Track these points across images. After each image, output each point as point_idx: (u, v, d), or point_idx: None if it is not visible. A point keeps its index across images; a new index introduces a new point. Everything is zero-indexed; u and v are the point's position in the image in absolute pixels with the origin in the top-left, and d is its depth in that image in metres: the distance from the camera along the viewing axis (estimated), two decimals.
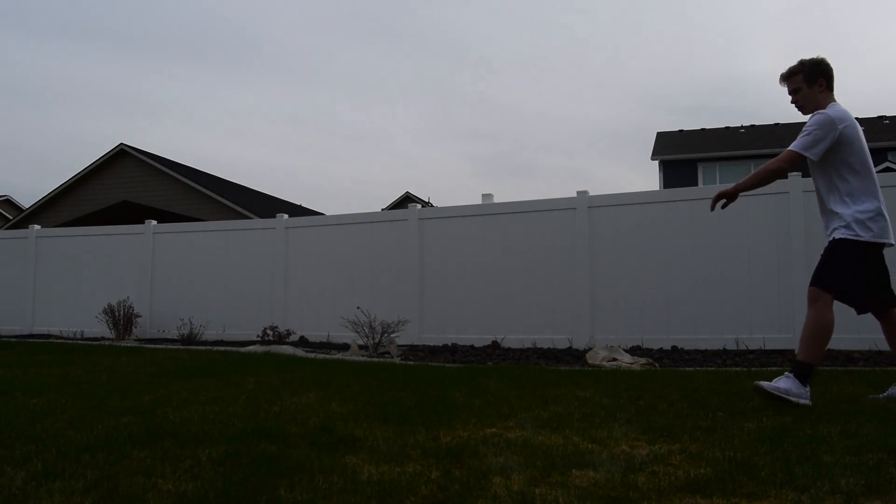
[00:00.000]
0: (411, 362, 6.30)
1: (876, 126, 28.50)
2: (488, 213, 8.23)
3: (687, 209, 7.25)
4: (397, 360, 6.51)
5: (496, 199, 14.03)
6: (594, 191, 7.71)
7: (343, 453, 2.51)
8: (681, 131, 30.65)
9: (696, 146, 28.45)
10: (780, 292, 6.75)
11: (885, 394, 3.57)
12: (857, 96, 57.26)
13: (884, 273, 3.52)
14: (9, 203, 34.41)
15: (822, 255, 3.52)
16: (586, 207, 7.60)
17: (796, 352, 3.41)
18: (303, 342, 8.52)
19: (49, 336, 10.01)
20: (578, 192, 7.69)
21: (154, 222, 10.17)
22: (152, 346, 8.31)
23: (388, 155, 76.51)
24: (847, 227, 3.44)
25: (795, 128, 30.26)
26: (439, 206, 16.03)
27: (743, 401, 3.55)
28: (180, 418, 3.18)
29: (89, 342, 8.97)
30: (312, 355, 6.85)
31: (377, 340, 7.34)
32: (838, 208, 3.48)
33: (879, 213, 3.45)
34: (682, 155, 27.80)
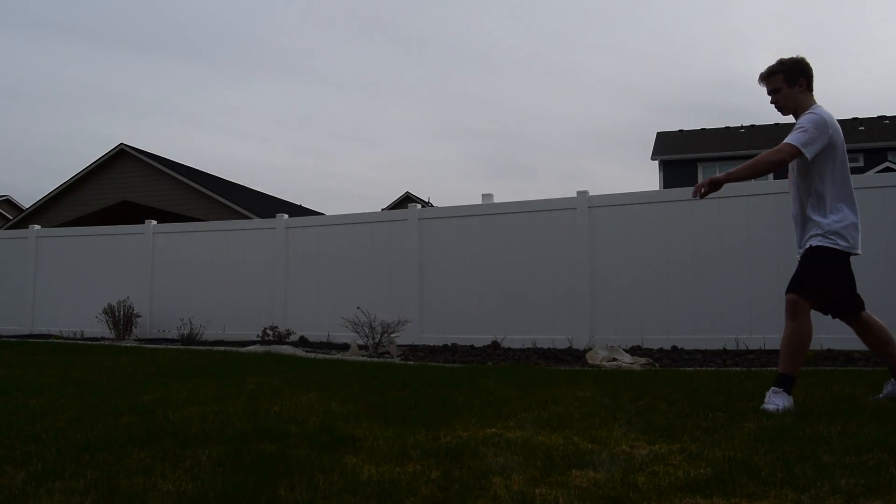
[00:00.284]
0: (411, 362, 6.30)
1: (876, 126, 28.47)
2: (488, 213, 8.23)
3: (687, 209, 7.25)
4: (397, 360, 6.51)
5: (496, 199, 14.04)
6: (594, 191, 7.72)
7: (343, 453, 2.51)
8: (681, 131, 30.66)
9: (696, 146, 28.46)
10: (780, 292, 6.71)
11: (881, 394, 3.57)
12: (857, 96, 57.27)
13: (852, 280, 3.58)
14: (9, 203, 34.41)
15: (799, 264, 3.52)
16: (586, 207, 7.60)
17: (780, 366, 3.36)
18: (303, 342, 8.52)
19: (49, 336, 10.01)
20: (578, 192, 7.69)
21: (154, 222, 10.17)
22: (152, 346, 8.30)
23: (388, 155, 76.53)
24: (824, 235, 3.43)
25: None
26: (439, 206, 16.03)
27: (743, 401, 3.55)
28: (180, 418, 3.18)
29: (89, 342, 8.97)
30: (312, 355, 6.85)
31: (377, 340, 7.34)
32: (816, 216, 3.47)
33: (854, 225, 3.47)
34: (682, 155, 27.81)
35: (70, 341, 9.22)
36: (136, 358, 6.49)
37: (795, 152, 3.40)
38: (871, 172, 20.15)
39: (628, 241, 7.41)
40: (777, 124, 30.97)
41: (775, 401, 3.25)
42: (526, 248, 7.84)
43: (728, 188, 4.32)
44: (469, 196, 71.72)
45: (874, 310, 6.41)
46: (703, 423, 2.98)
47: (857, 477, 2.09)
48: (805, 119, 3.45)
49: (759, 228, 6.90)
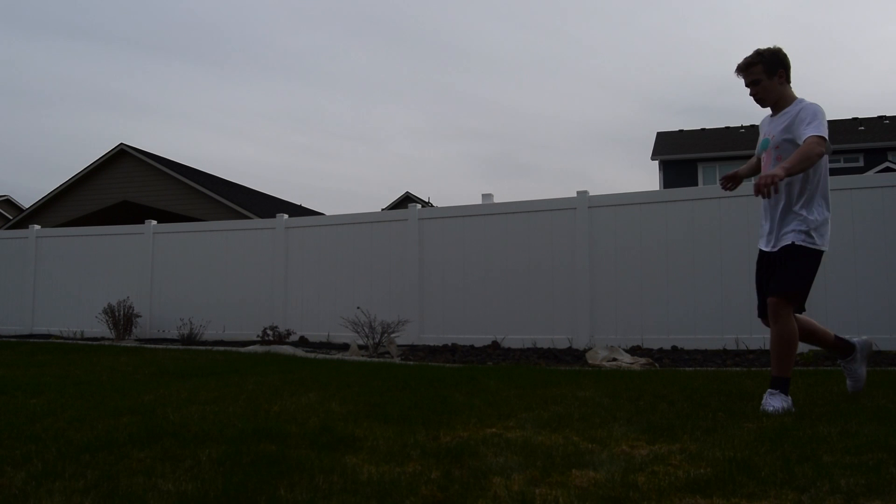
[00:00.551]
0: (411, 362, 6.29)
1: (876, 126, 28.47)
2: (488, 213, 8.22)
3: (687, 209, 7.25)
4: (397, 360, 6.51)
5: (496, 199, 14.05)
6: (594, 191, 7.71)
7: (343, 453, 2.51)
8: (681, 131, 30.65)
9: (696, 146, 28.46)
10: None
11: (848, 380, 3.71)
12: (857, 96, 57.26)
13: None
14: (9, 203, 34.41)
15: (781, 263, 3.39)
16: (586, 207, 7.60)
17: (773, 369, 3.35)
18: (303, 342, 8.52)
19: (49, 336, 10.01)
20: (578, 192, 7.69)
21: (154, 222, 10.17)
22: (152, 346, 8.30)
23: (388, 155, 76.54)
24: (807, 234, 3.41)
25: None
26: (439, 206, 16.03)
27: (743, 401, 3.55)
28: (180, 418, 3.18)
29: (89, 342, 8.97)
30: (312, 355, 6.85)
31: (377, 340, 7.34)
32: (803, 211, 3.43)
33: (828, 221, 3.53)
34: (682, 155, 27.80)
35: (70, 341, 9.22)
36: (136, 358, 6.49)
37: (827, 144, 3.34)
38: (871, 172, 20.14)
39: (628, 241, 7.41)
40: None
41: (773, 402, 3.25)
42: (526, 248, 7.84)
43: None
44: (469, 196, 71.76)
45: (875, 309, 6.43)
46: (703, 423, 2.98)
47: (857, 477, 2.09)
48: (812, 110, 3.35)
49: (759, 228, 6.90)
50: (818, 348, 6.39)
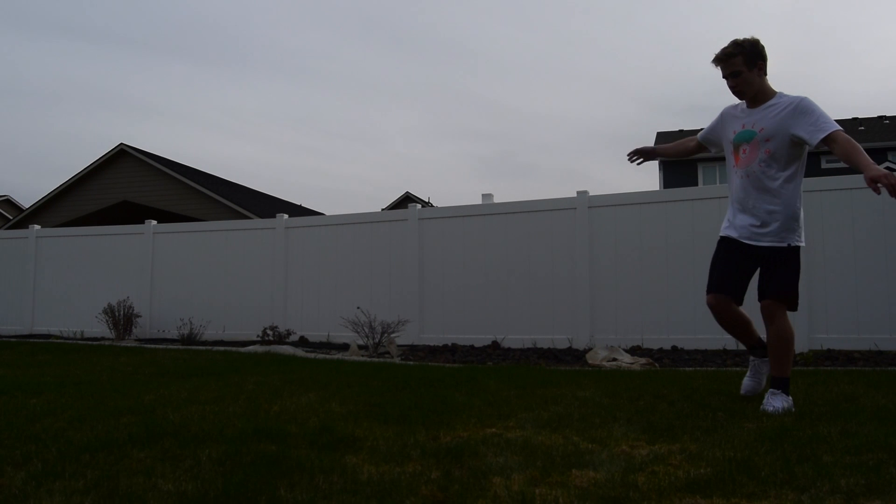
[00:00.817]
0: (411, 362, 6.29)
1: (876, 126, 28.48)
2: (488, 213, 8.22)
3: (687, 209, 7.25)
4: (397, 360, 6.51)
5: (496, 199, 14.05)
6: (594, 191, 7.71)
7: (343, 453, 2.51)
8: (681, 131, 30.63)
9: None
10: None
11: (747, 378, 3.70)
12: (857, 96, 57.27)
13: None
14: (9, 203, 34.42)
15: (781, 264, 3.36)
16: (586, 207, 7.60)
17: (774, 370, 3.35)
18: (303, 342, 8.52)
19: (49, 336, 10.01)
20: (578, 192, 7.69)
21: (154, 222, 10.17)
22: (152, 346, 8.30)
23: (388, 155, 76.55)
24: (799, 233, 3.40)
25: None
26: (439, 206, 16.03)
27: (743, 401, 3.55)
28: (180, 418, 3.18)
29: (89, 342, 8.97)
30: (312, 355, 6.85)
31: (377, 340, 7.34)
32: (795, 206, 3.37)
33: None
34: None
35: (70, 341, 9.22)
36: (136, 358, 6.49)
37: None
38: None
39: (628, 241, 7.41)
40: None
41: (774, 402, 3.25)
42: (526, 248, 7.84)
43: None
44: (469, 196, 71.79)
45: (875, 306, 6.43)
46: (703, 423, 2.98)
47: (857, 477, 2.09)
48: (810, 104, 3.30)
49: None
50: (817, 348, 6.40)
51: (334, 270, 8.88)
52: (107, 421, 3.14)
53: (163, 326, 9.65)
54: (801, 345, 6.53)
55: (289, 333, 8.42)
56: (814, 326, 6.59)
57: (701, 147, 3.87)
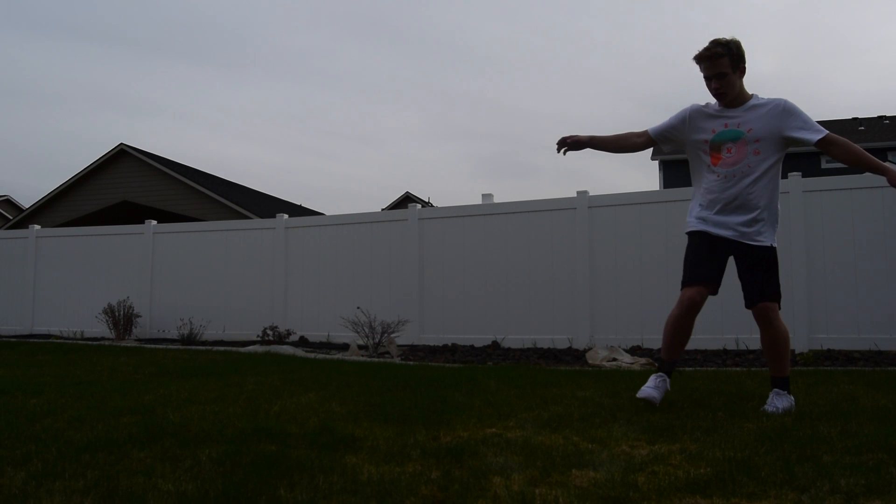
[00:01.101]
0: (411, 362, 6.29)
1: (876, 126, 28.48)
2: (488, 213, 8.22)
3: (687, 209, 7.23)
4: (397, 360, 6.51)
5: (496, 199, 14.03)
6: (594, 191, 7.71)
7: (343, 453, 2.51)
8: None
9: None
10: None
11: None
12: (857, 96, 57.26)
13: None
14: (9, 203, 34.42)
15: (767, 266, 3.36)
16: (586, 207, 7.60)
17: (774, 370, 3.35)
18: (303, 342, 8.51)
19: (49, 336, 10.01)
20: (578, 192, 7.69)
21: (154, 222, 10.16)
22: (152, 346, 8.30)
23: (388, 155, 76.56)
24: (775, 234, 3.42)
25: None
26: (439, 206, 16.02)
27: (743, 401, 3.55)
28: (180, 418, 3.18)
29: (89, 342, 8.97)
30: (312, 355, 6.85)
31: (377, 340, 7.34)
32: (777, 207, 3.40)
33: None
34: (682, 155, 27.79)
35: (70, 341, 9.22)
36: (136, 358, 6.49)
37: None
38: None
39: (628, 241, 7.41)
40: None
41: (778, 403, 3.26)
42: (526, 248, 7.84)
43: None
44: (469, 196, 71.78)
45: (875, 306, 6.42)
46: (703, 423, 2.98)
47: (857, 477, 2.09)
48: (794, 107, 3.33)
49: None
50: (817, 348, 6.40)
51: (334, 270, 8.88)
52: (107, 421, 3.14)
53: (163, 326, 9.65)
54: (801, 345, 6.53)
55: (289, 333, 8.42)
56: (814, 326, 6.58)
57: (650, 143, 3.68)
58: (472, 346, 7.72)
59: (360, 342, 7.56)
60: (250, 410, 3.43)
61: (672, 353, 3.46)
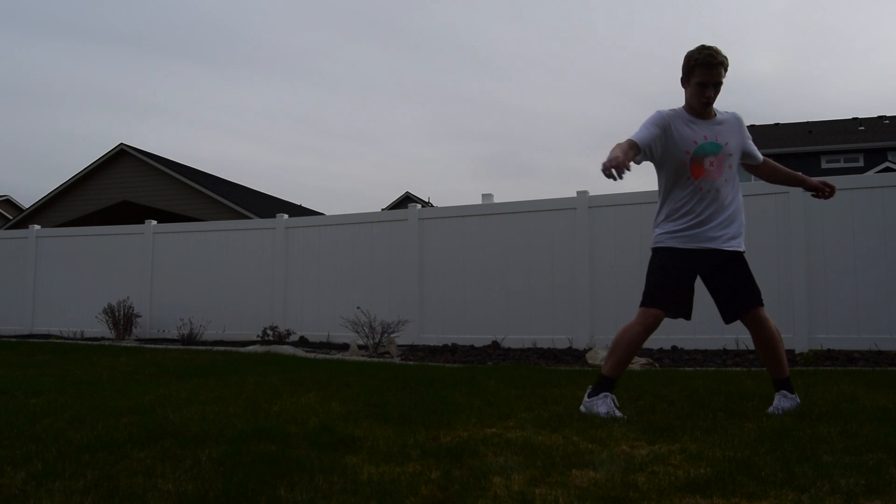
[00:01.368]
0: (411, 362, 6.30)
1: (876, 126, 28.47)
2: (488, 213, 8.22)
3: None
4: (397, 360, 6.51)
5: (496, 199, 14.03)
6: (594, 191, 7.72)
7: (343, 453, 2.51)
8: None
9: None
10: (780, 292, 6.75)
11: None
12: (857, 96, 57.26)
13: None
14: (9, 203, 34.43)
15: (747, 271, 3.37)
16: (586, 207, 7.60)
17: (777, 373, 3.34)
18: (303, 342, 8.52)
19: (49, 336, 10.01)
20: (578, 192, 7.69)
21: (154, 222, 10.17)
22: (152, 346, 8.30)
23: (388, 155, 76.55)
24: None
25: (795, 127, 30.25)
26: (439, 206, 16.02)
27: (743, 401, 3.55)
28: (180, 418, 3.18)
29: (89, 342, 8.97)
30: (312, 355, 6.85)
31: (377, 340, 7.34)
32: (742, 215, 3.45)
33: None
34: None
35: (70, 341, 9.22)
36: (136, 358, 6.49)
37: None
38: (871, 172, 20.14)
39: (628, 241, 7.41)
40: (777, 124, 30.94)
41: (785, 404, 3.26)
42: (526, 248, 7.84)
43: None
44: (469, 196, 71.80)
45: (875, 306, 6.42)
46: (703, 423, 2.98)
47: (857, 477, 2.09)
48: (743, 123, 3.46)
49: (759, 228, 6.90)
50: (817, 348, 6.40)
51: (334, 270, 8.88)
52: (107, 421, 3.14)
53: (163, 326, 9.65)
54: (801, 345, 6.54)
55: (289, 333, 8.42)
56: (814, 326, 6.58)
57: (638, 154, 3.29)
58: (472, 346, 7.72)
59: (360, 342, 7.56)
60: (250, 410, 3.43)
61: (621, 371, 3.35)
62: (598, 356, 6.20)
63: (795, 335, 6.59)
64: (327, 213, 17.01)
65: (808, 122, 30.40)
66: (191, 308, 9.37)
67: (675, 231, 3.36)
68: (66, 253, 10.46)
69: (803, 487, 2.02)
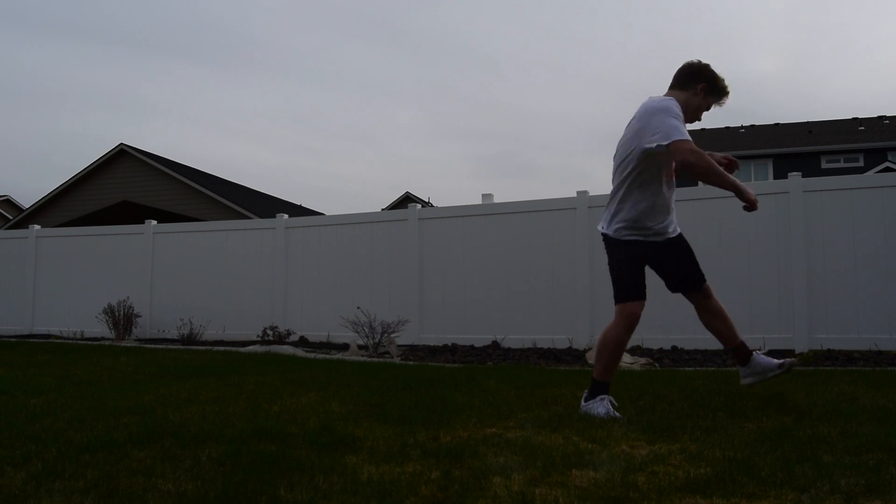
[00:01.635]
0: (411, 362, 6.30)
1: (876, 126, 28.47)
2: (488, 213, 8.22)
3: (687, 209, 7.23)
4: (397, 360, 6.51)
5: (496, 199, 14.03)
6: (594, 191, 7.71)
7: (343, 453, 2.51)
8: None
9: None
10: (780, 292, 6.76)
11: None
12: (857, 96, 57.26)
13: None
14: (9, 203, 34.42)
15: (689, 250, 3.64)
16: (586, 207, 7.60)
17: (734, 337, 3.58)
18: (303, 342, 8.52)
19: (49, 336, 10.01)
20: (578, 192, 7.69)
21: (154, 222, 10.17)
22: (152, 346, 8.30)
23: (388, 155, 76.56)
24: None
25: (795, 128, 30.26)
26: (439, 206, 16.02)
27: (743, 401, 3.55)
28: (180, 418, 3.18)
29: (89, 342, 8.97)
30: (312, 355, 6.85)
31: (377, 340, 7.34)
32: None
33: None
34: None
35: (70, 341, 9.22)
36: (136, 358, 6.49)
37: None
38: (871, 172, 20.14)
39: None
40: (777, 124, 30.94)
41: (764, 361, 3.55)
42: (526, 248, 7.84)
43: None
44: (469, 196, 71.80)
45: (875, 306, 6.43)
46: (703, 423, 2.98)
47: (857, 477, 2.09)
48: None
49: (760, 228, 6.90)
50: (817, 348, 6.40)
51: (334, 270, 8.88)
52: (107, 421, 3.14)
53: (163, 326, 9.65)
54: (801, 345, 6.54)
55: (289, 333, 8.42)
56: (814, 326, 6.58)
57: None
58: (472, 346, 7.72)
59: (360, 342, 7.56)
60: (250, 410, 3.43)
61: (612, 373, 3.39)
62: None
63: (795, 335, 6.59)
64: (327, 213, 17.01)
65: (808, 122, 30.41)
66: (191, 308, 9.37)
67: (641, 227, 3.46)
68: (67, 253, 10.46)
69: (803, 487, 2.02)
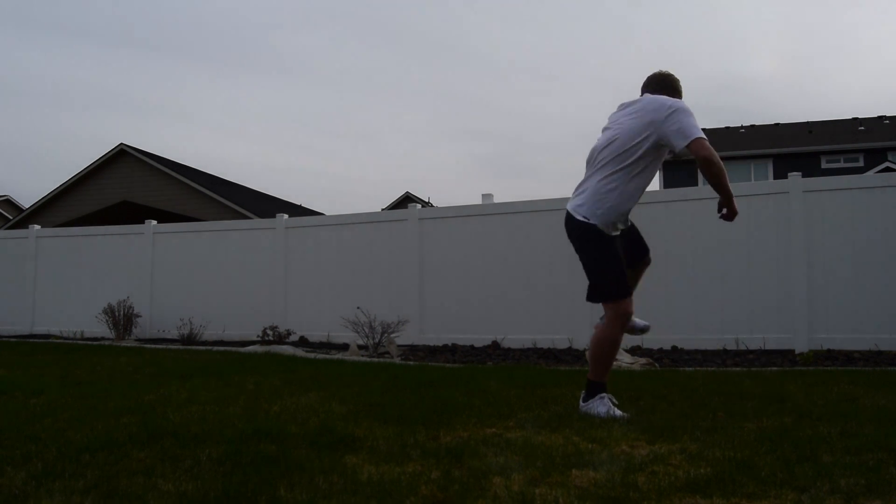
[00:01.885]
0: (411, 362, 6.30)
1: (876, 126, 28.46)
2: (488, 213, 8.22)
3: (687, 209, 7.25)
4: (397, 360, 6.51)
5: (496, 199, 14.04)
6: None
7: (343, 453, 2.51)
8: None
9: None
10: (780, 292, 6.75)
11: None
12: (857, 96, 57.28)
13: None
14: (9, 203, 34.41)
15: (636, 231, 3.76)
16: None
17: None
18: (303, 342, 8.51)
19: (49, 336, 10.01)
20: None
21: (154, 222, 10.16)
22: (152, 346, 8.30)
23: (388, 155, 76.56)
24: None
25: (796, 128, 30.27)
26: (439, 206, 16.03)
27: (743, 401, 3.55)
28: (180, 418, 3.18)
29: (89, 342, 8.97)
30: (312, 355, 6.85)
31: (377, 340, 7.34)
32: None
33: None
34: (684, 155, 27.76)
35: (70, 341, 9.22)
36: (137, 358, 6.49)
37: None
38: (870, 172, 20.13)
39: None
40: (777, 124, 30.94)
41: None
42: (526, 248, 7.84)
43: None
44: (469, 196, 71.76)
45: (875, 306, 6.42)
46: (703, 423, 2.98)
47: (857, 477, 2.09)
48: None
49: (760, 228, 6.90)
50: (817, 348, 6.40)
51: (334, 270, 8.87)
52: (107, 421, 3.14)
53: (163, 326, 9.64)
54: (801, 345, 6.53)
55: (289, 333, 8.41)
56: (814, 326, 6.58)
57: None
58: (472, 347, 7.72)
59: (360, 342, 7.56)
60: (250, 410, 3.43)
61: (607, 372, 3.37)
62: None
63: (795, 335, 6.59)
64: (327, 213, 17.01)
65: (808, 122, 30.40)
66: (191, 308, 9.36)
67: (622, 214, 3.49)
68: (66, 253, 10.46)
69: (803, 487, 2.02)
